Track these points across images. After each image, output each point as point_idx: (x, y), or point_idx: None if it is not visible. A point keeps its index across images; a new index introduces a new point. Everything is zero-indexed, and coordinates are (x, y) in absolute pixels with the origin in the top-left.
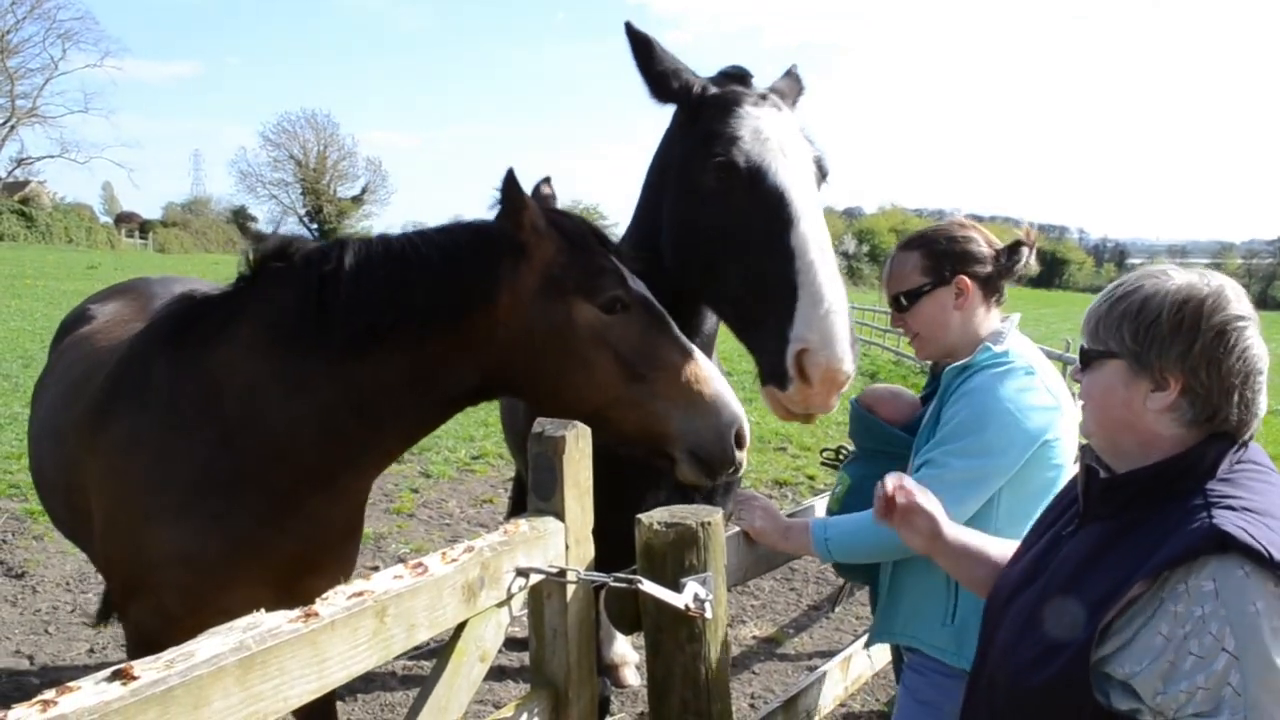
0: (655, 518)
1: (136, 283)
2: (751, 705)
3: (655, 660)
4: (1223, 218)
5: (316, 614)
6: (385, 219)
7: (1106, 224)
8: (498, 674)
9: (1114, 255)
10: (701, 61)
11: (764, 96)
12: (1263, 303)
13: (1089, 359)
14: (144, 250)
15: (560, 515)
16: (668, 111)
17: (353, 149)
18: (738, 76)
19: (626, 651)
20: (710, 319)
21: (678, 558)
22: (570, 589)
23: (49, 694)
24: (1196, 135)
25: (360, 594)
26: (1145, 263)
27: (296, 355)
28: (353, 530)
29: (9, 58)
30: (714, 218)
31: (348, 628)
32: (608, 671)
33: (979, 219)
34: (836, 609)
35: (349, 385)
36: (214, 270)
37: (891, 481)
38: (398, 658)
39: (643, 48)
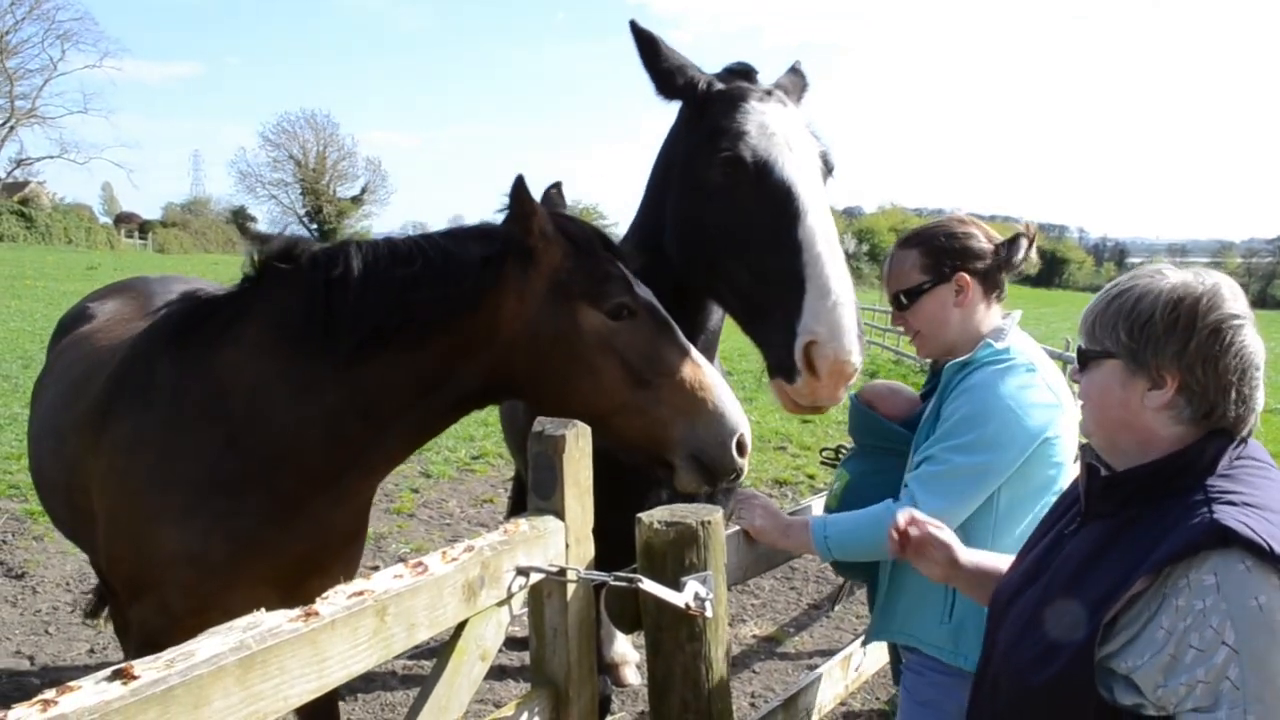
0: (655, 517)
1: (135, 281)
2: (752, 704)
3: (655, 659)
4: (1222, 217)
5: (317, 613)
6: (385, 219)
7: (1106, 223)
8: (498, 673)
9: (1114, 254)
10: (702, 61)
11: (769, 92)
12: (1262, 302)
13: (1086, 359)
14: (144, 251)
15: (560, 514)
16: (670, 109)
17: (352, 149)
18: (743, 73)
19: (627, 650)
20: (715, 315)
21: (678, 556)
22: (570, 588)
23: (49, 694)
24: (1196, 134)
25: (360, 593)
26: (1145, 262)
27: (303, 357)
28: (357, 531)
29: (8, 58)
30: (720, 212)
31: (348, 627)
32: (608, 670)
33: (979, 218)
34: (836, 608)
35: (355, 388)
36: (213, 270)
37: (902, 518)
38: (398, 657)
39: (648, 45)
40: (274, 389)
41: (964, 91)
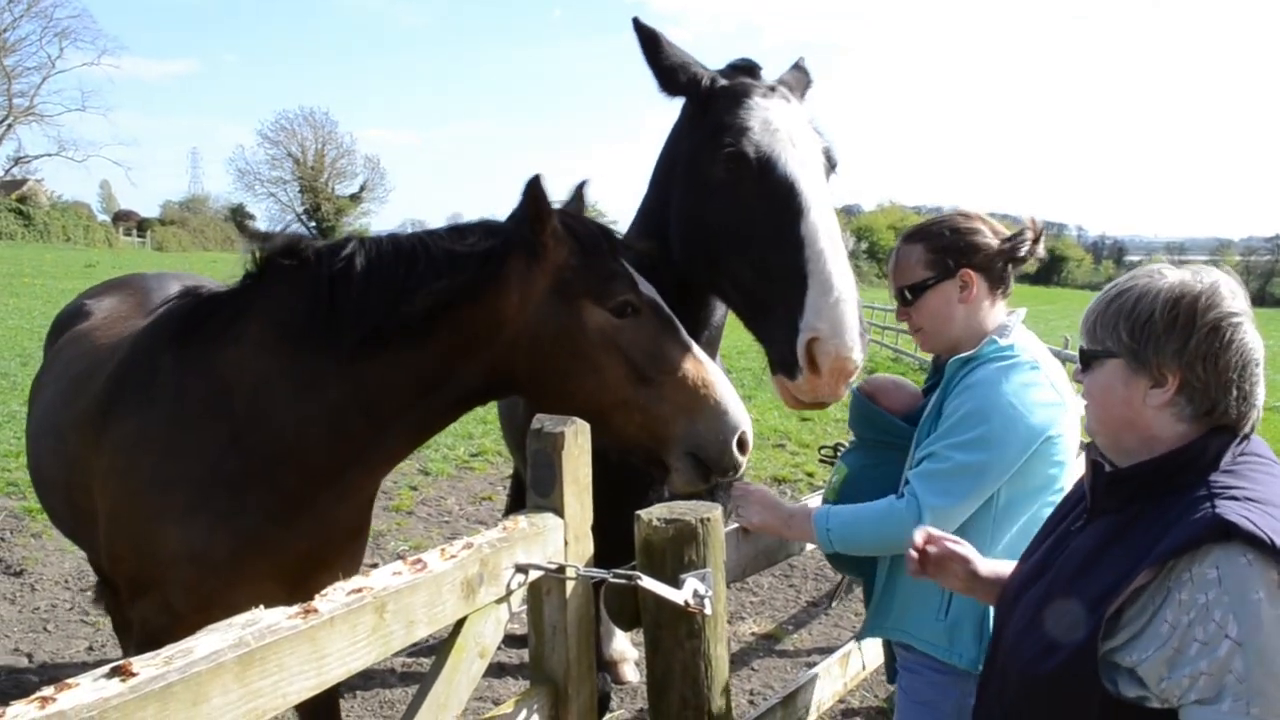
0: (654, 514)
1: (132, 278)
2: (751, 701)
3: (655, 657)
4: (1221, 215)
5: (315, 610)
6: (383, 217)
7: (1105, 221)
8: (497, 670)
9: (1112, 252)
10: (701, 59)
11: (773, 88)
12: (1261, 300)
13: (1089, 359)
14: (142, 248)
15: (559, 511)
16: (672, 107)
17: (351, 147)
18: (746, 69)
19: (626, 648)
20: (718, 311)
21: (677, 554)
22: (569, 585)
23: (48, 691)
24: (1195, 133)
25: (359, 590)
26: (1143, 259)
27: (305, 354)
28: (360, 528)
29: (6, 56)
30: (724, 208)
31: (347, 624)
32: (607, 668)
33: None
34: (834, 604)
35: (358, 385)
36: (212, 268)
37: (920, 536)
38: (397, 654)
39: (651, 42)
40: (276, 386)
41: (963, 90)
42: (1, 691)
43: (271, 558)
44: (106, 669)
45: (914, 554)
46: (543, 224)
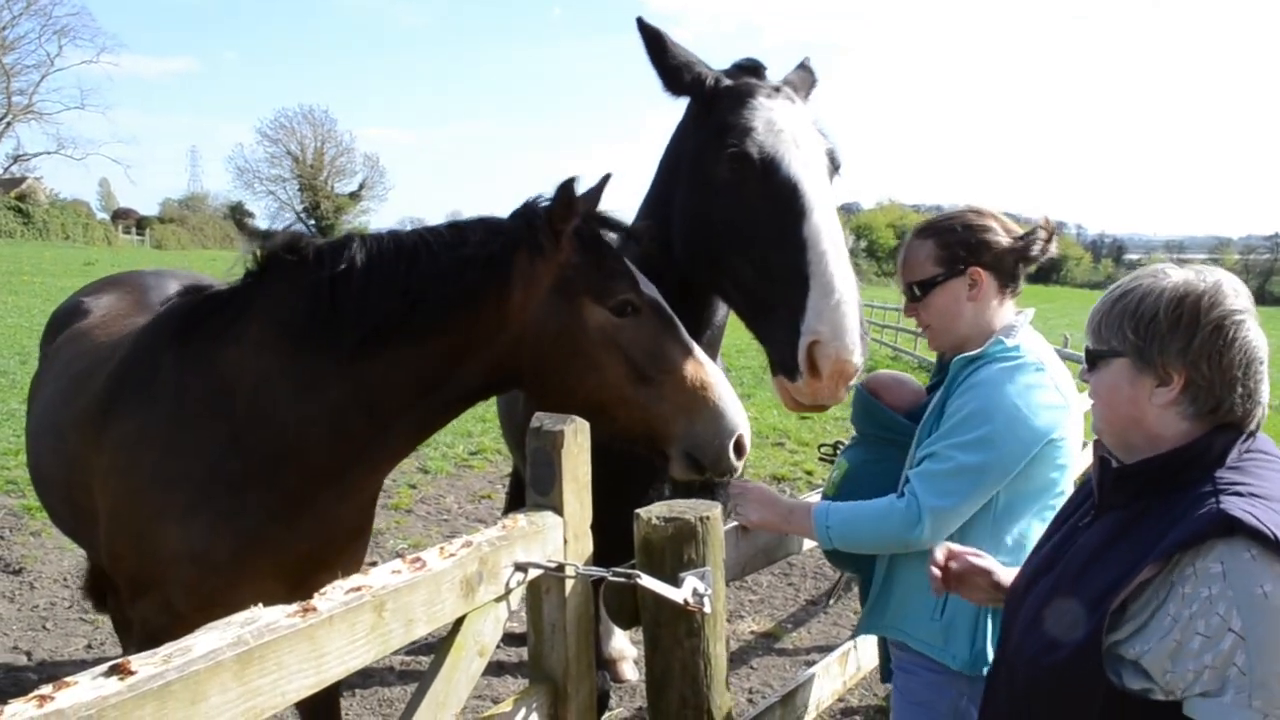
0: (654, 512)
1: (130, 275)
2: (750, 700)
3: (654, 655)
4: (1220, 213)
5: (314, 609)
6: (382, 215)
7: (1104, 219)
8: (496, 669)
9: (1111, 251)
10: (702, 60)
11: (777, 89)
12: (1260, 298)
13: (1094, 359)
14: (141, 246)
15: (559, 510)
16: (672, 106)
17: (350, 145)
18: (751, 69)
19: (625, 646)
20: (720, 311)
21: (676, 552)
22: (569, 584)
23: (46, 689)
24: (1194, 132)
25: (358, 589)
26: (1142, 258)
27: (307, 354)
28: (362, 528)
29: (5, 54)
30: (727, 208)
31: (345, 623)
32: (606, 666)
33: None
34: (833, 602)
35: (360, 383)
36: (211, 266)
37: (940, 553)
38: (396, 652)
39: (655, 42)
40: (277, 385)
41: (963, 89)
42: (0, 690)
43: (273, 557)
44: (105, 667)
45: (936, 571)
46: (564, 225)
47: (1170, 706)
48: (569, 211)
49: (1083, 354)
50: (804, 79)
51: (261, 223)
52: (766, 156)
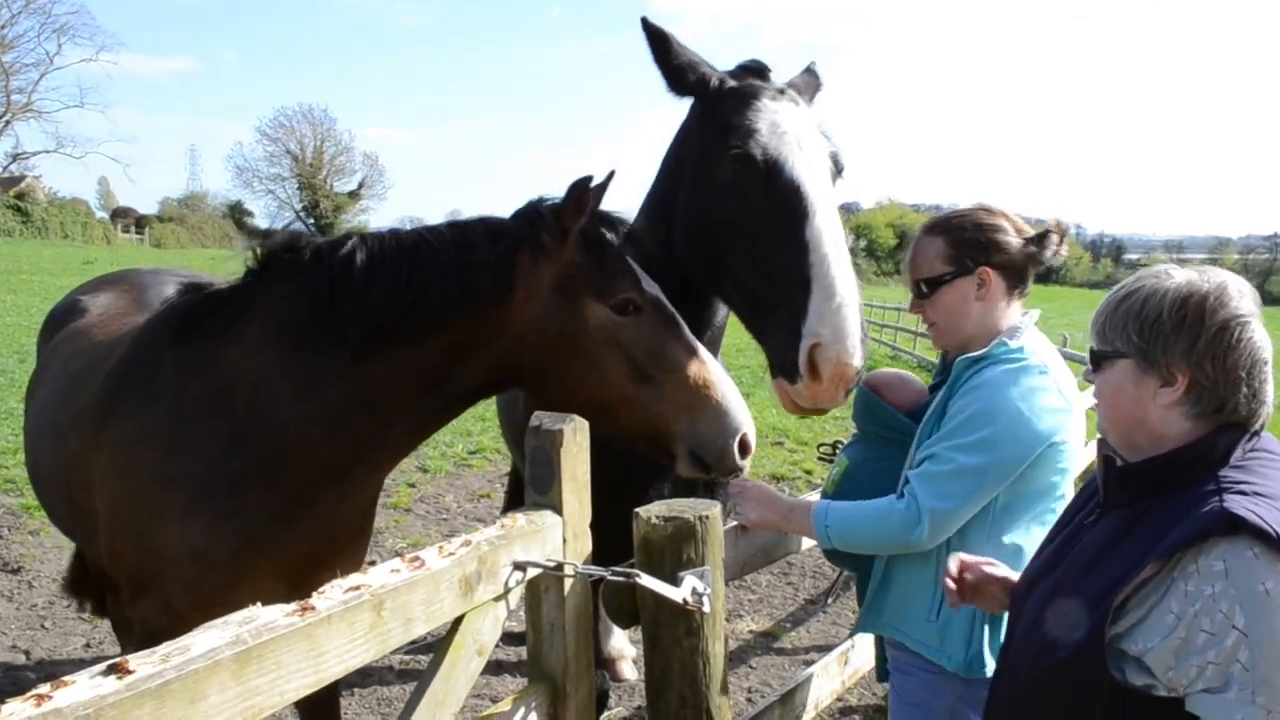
0: (653, 511)
1: (127, 274)
2: (749, 699)
3: (653, 654)
4: (1219, 213)
5: (313, 608)
6: (382, 214)
7: (1103, 219)
8: (495, 668)
9: (1110, 250)
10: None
11: (782, 91)
12: (1259, 298)
13: (1099, 360)
14: (140, 245)
15: (558, 509)
16: (673, 106)
17: (349, 144)
18: (756, 70)
19: (624, 645)
20: (720, 312)
21: (675, 551)
22: (568, 583)
23: (43, 688)
24: (1193, 132)
25: (357, 588)
26: (1141, 257)
27: (308, 352)
28: (363, 528)
29: (4, 52)
30: (729, 210)
31: (344, 622)
32: (606, 665)
33: None
34: (832, 602)
35: (361, 382)
36: (210, 265)
37: (954, 565)
38: (395, 652)
39: (660, 42)
40: (278, 385)
41: (963, 89)
42: None
43: (273, 557)
44: (103, 667)
45: (951, 584)
46: (575, 223)
47: (1173, 703)
48: (579, 211)
49: (1082, 353)
50: (809, 82)
51: (261, 222)
52: (770, 158)
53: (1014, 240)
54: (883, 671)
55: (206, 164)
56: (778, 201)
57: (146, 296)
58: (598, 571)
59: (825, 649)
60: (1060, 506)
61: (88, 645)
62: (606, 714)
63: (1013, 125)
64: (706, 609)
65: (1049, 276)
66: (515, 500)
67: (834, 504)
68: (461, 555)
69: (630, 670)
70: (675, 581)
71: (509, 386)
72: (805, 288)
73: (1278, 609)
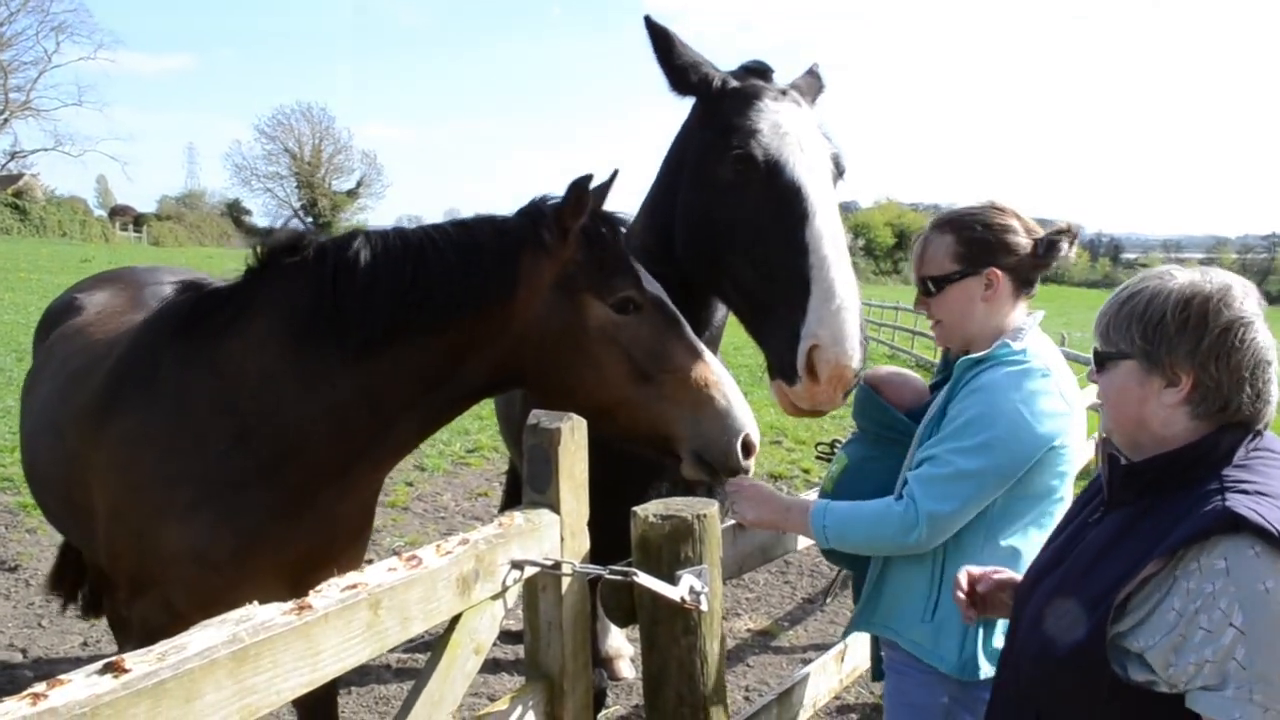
0: (650, 510)
1: (123, 272)
2: (746, 698)
3: (650, 653)
4: (1217, 213)
5: (310, 606)
6: (380, 213)
7: (1101, 219)
8: (493, 666)
9: (1109, 250)
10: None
11: (784, 92)
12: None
13: (1103, 360)
14: (138, 243)
15: (555, 507)
16: (673, 105)
17: (348, 143)
18: (758, 71)
19: (622, 644)
20: (719, 312)
21: (673, 550)
22: (565, 582)
23: (39, 687)
24: (1191, 131)
25: (354, 586)
26: (1139, 257)
27: (311, 351)
28: (363, 527)
29: (2, 51)
30: (730, 210)
31: (341, 620)
32: (603, 664)
33: None
34: (830, 600)
35: (364, 381)
36: (208, 263)
37: (964, 578)
38: (392, 650)
39: (663, 41)
40: (280, 382)
41: (962, 88)
42: None
43: (274, 556)
44: (99, 665)
45: (962, 596)
46: (572, 223)
47: (1174, 699)
48: (580, 209)
49: (1080, 352)
50: (811, 84)
51: (258, 220)
52: (771, 159)
53: (1024, 242)
54: (877, 671)
55: (205, 162)
56: (778, 202)
57: (143, 295)
58: (595, 570)
59: (823, 647)
60: (1059, 510)
61: (85, 644)
62: (604, 712)
63: (1012, 124)
64: (704, 608)
65: (1046, 275)
66: (513, 498)
67: (832, 504)
68: (459, 554)
69: (628, 669)
70: (673, 580)
71: (511, 386)
72: (805, 289)
73: (1277, 608)
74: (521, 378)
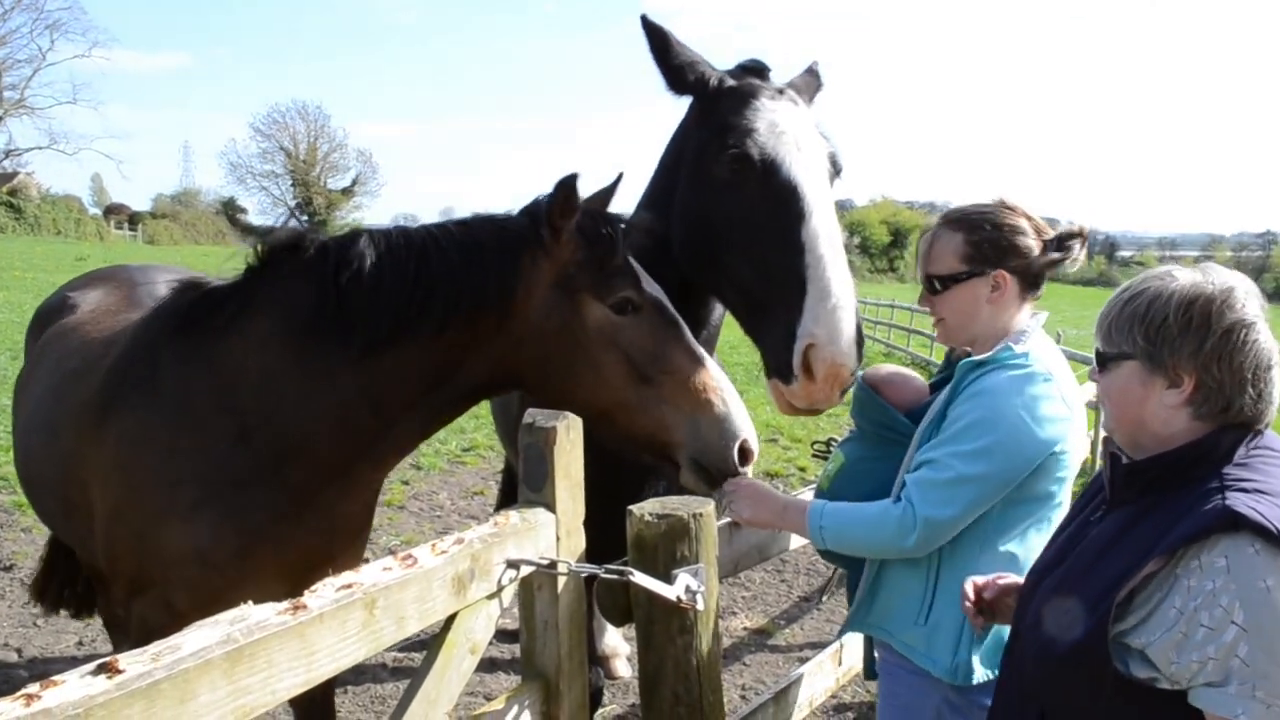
0: (646, 509)
1: (116, 270)
2: (743, 697)
3: (647, 652)
4: (1211, 211)
5: (305, 606)
6: (375, 211)
7: (1096, 217)
8: (489, 666)
9: (1104, 248)
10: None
11: (781, 91)
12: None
13: (1105, 361)
14: (133, 242)
15: (551, 506)
16: (671, 103)
17: (343, 141)
18: (755, 70)
19: (619, 643)
20: (716, 310)
21: (669, 549)
22: (561, 581)
23: (33, 688)
24: (1187, 130)
25: (349, 586)
26: (1135, 254)
27: (313, 350)
28: (363, 526)
29: None
30: (726, 209)
31: (336, 620)
32: (600, 663)
33: None
34: (826, 599)
35: (365, 380)
36: (204, 261)
37: (970, 589)
38: (388, 649)
39: (660, 40)
40: (282, 381)
41: (958, 87)
42: None
43: (276, 556)
44: (92, 666)
45: (970, 606)
46: (564, 222)
47: (1176, 695)
48: (568, 208)
49: (1075, 350)
50: (809, 83)
51: (254, 218)
52: (767, 158)
53: (1034, 244)
54: (870, 670)
55: (200, 160)
56: (775, 201)
57: (137, 293)
58: (591, 569)
59: (819, 646)
60: (1057, 515)
61: (80, 643)
62: (600, 711)
63: (1008, 123)
64: (700, 606)
65: None
66: (509, 497)
67: (829, 505)
68: (454, 553)
69: (625, 667)
70: (669, 579)
71: (511, 387)
72: (801, 288)
73: (1277, 605)
74: (521, 378)
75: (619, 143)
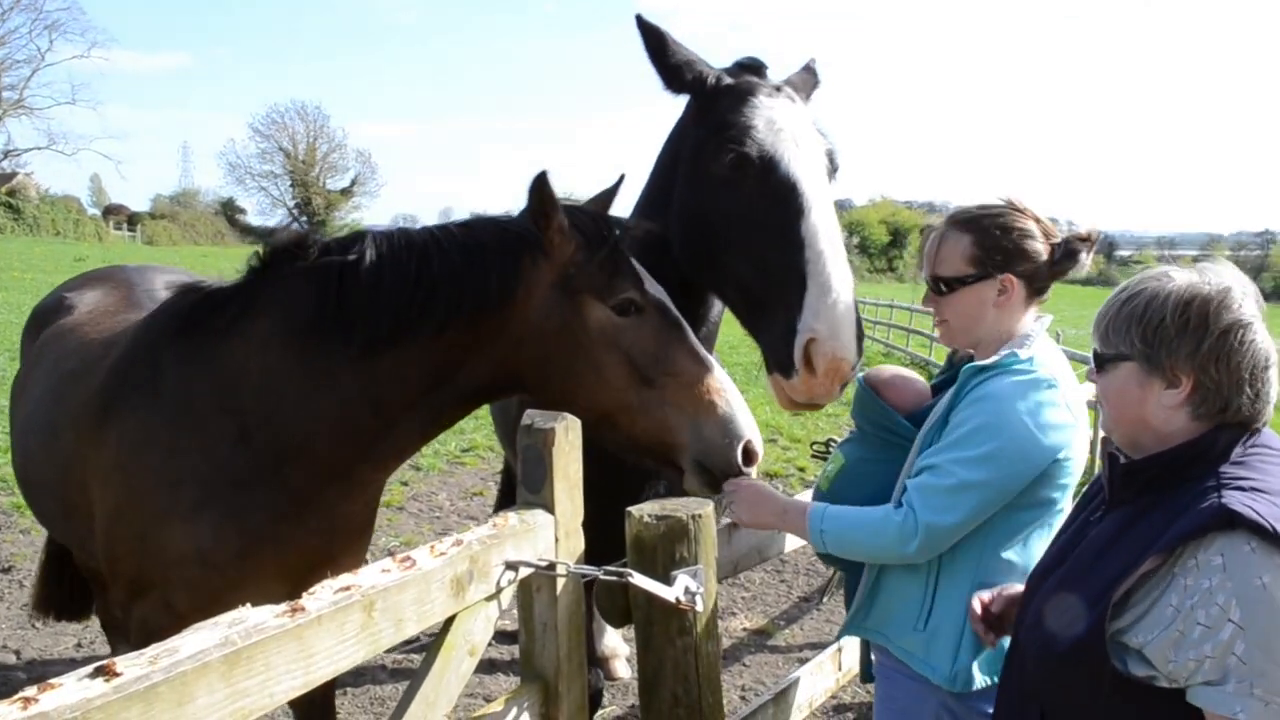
0: (645, 510)
1: (113, 270)
2: (743, 698)
3: (646, 654)
4: (1210, 210)
5: (303, 608)
6: (374, 211)
7: (1095, 216)
8: (488, 667)
9: (1102, 247)
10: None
11: (778, 88)
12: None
13: (1103, 362)
14: (132, 242)
15: (550, 508)
16: (669, 102)
17: (342, 141)
18: (753, 68)
19: (618, 644)
20: (715, 308)
21: (668, 550)
22: (560, 582)
23: (30, 691)
24: (1185, 129)
25: (347, 588)
26: (1133, 254)
27: (315, 351)
28: (364, 527)
29: None
30: (725, 206)
31: (335, 622)
32: (599, 664)
33: None
34: (826, 600)
35: (366, 381)
36: (203, 262)
37: (977, 604)
38: (388, 650)
39: (656, 39)
40: (283, 382)
41: (956, 87)
42: None
43: (277, 556)
44: (90, 669)
45: (978, 616)
46: (549, 220)
47: (1174, 694)
48: (546, 206)
49: (1073, 349)
50: (806, 81)
51: (253, 219)
52: (766, 155)
53: (1042, 248)
54: (866, 673)
55: (199, 161)
56: (773, 198)
57: (135, 294)
58: (590, 571)
59: (819, 647)
60: (1058, 522)
61: (79, 645)
62: (600, 713)
63: (1006, 122)
64: (699, 608)
65: None
66: (508, 498)
67: (830, 508)
68: (453, 555)
69: (624, 668)
70: (668, 580)
71: (513, 388)
72: (801, 284)
73: (1274, 603)
74: (522, 380)
75: (619, 143)
